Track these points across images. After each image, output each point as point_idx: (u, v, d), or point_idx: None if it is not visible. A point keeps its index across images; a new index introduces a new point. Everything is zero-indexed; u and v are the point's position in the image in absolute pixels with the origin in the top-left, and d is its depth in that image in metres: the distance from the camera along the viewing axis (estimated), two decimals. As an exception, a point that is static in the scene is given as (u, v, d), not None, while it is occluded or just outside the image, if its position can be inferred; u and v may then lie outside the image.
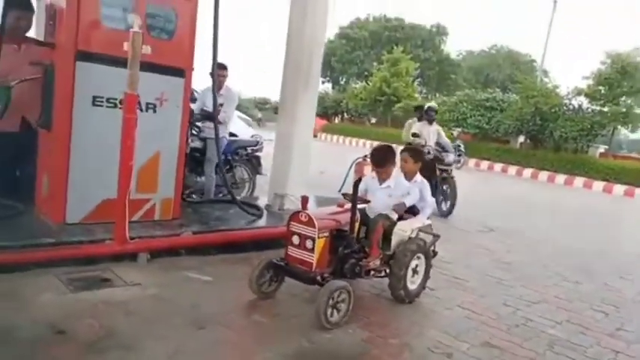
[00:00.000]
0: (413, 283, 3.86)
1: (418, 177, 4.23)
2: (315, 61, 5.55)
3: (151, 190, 4.33)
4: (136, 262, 3.86)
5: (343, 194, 3.71)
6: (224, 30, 4.68)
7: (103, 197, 4.01)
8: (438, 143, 8.10)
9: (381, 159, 3.93)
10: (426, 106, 8.52)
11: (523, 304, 4.20)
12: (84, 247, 3.68)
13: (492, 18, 70.12)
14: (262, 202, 5.70)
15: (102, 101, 3.99)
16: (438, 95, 33.91)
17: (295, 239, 3.42)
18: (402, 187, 3.98)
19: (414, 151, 4.44)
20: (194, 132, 5.79)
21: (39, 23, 4.72)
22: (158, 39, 4.20)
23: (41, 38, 4.37)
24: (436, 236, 4.13)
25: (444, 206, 7.90)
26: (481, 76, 41.97)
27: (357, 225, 3.66)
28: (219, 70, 5.17)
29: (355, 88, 33.93)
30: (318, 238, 3.34)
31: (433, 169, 7.69)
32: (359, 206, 3.62)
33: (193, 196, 5.55)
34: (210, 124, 5.31)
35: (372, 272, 3.74)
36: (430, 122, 8.21)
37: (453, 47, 51.16)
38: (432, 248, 4.13)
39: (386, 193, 3.92)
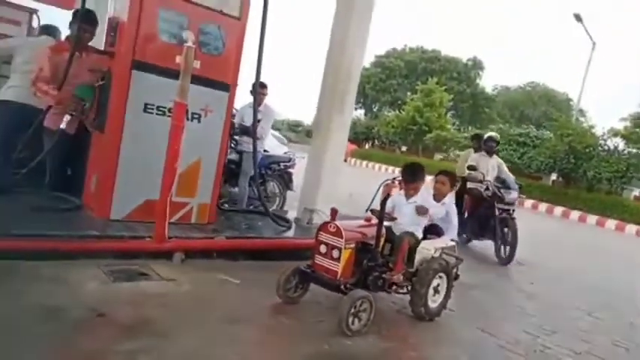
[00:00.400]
0: (434, 302, 3.95)
1: (446, 199, 4.36)
2: (352, 86, 5.80)
3: (189, 195, 4.59)
4: (171, 261, 4.08)
5: (371, 210, 3.87)
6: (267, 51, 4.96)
7: (146, 198, 4.29)
8: (497, 178, 7.15)
9: (412, 174, 4.08)
10: (485, 136, 7.61)
11: (543, 333, 4.22)
12: (126, 242, 3.95)
13: (530, 55, 69.96)
14: (291, 215, 5.89)
15: (152, 109, 4.30)
16: (470, 128, 33.81)
17: (322, 248, 3.58)
18: (429, 203, 4.08)
19: (452, 175, 4.57)
20: (232, 145, 6.08)
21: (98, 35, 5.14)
22: (208, 55, 4.49)
23: (101, 48, 4.75)
24: (459, 259, 4.23)
25: (503, 252, 6.79)
26: (516, 112, 41.78)
27: (382, 240, 3.80)
28: (259, 89, 5.46)
29: (387, 116, 34.19)
30: (345, 248, 3.50)
31: (492, 208, 6.83)
32: (385, 224, 3.76)
33: (226, 205, 5.80)
34: (248, 139, 5.58)
35: (394, 287, 3.85)
36: (490, 154, 7.33)
37: (489, 82, 51.26)
38: (455, 271, 4.22)
39: (412, 208, 4.03)
